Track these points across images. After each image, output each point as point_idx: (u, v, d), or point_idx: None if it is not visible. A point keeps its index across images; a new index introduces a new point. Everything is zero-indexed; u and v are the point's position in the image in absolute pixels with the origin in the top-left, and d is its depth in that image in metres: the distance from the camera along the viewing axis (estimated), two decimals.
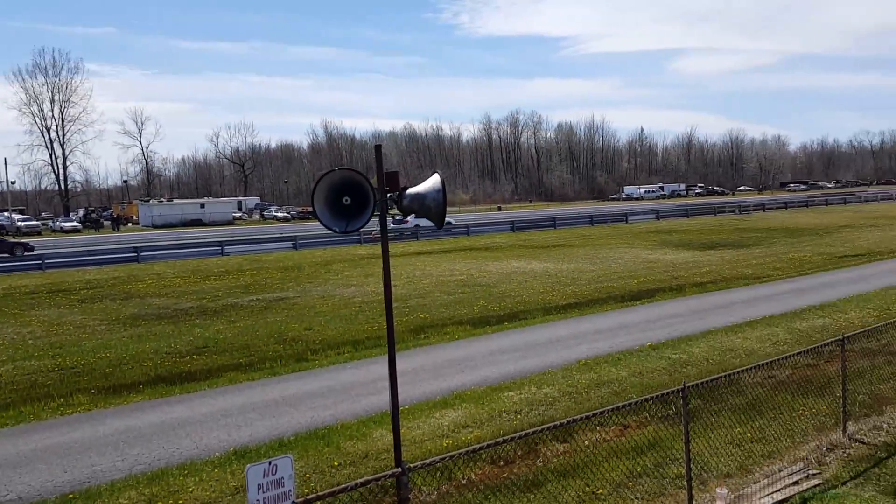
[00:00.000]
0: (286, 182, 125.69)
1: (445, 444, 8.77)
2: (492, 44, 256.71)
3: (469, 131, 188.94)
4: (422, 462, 5.21)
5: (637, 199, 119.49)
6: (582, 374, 11.93)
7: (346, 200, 5.64)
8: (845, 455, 7.91)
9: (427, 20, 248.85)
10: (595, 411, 6.63)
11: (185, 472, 8.23)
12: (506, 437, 5.91)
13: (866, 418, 9.08)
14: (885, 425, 8.81)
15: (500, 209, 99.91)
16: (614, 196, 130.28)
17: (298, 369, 13.18)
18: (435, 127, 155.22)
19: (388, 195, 5.87)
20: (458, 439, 8.97)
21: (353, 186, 5.62)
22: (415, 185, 5.94)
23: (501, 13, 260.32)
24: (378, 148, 5.96)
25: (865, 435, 8.49)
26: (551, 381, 11.59)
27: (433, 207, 5.75)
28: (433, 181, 5.83)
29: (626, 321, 16.44)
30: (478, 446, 5.60)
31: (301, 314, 18.97)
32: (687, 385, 6.79)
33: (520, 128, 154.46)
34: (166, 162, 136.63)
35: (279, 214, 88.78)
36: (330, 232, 5.80)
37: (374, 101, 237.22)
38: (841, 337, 8.77)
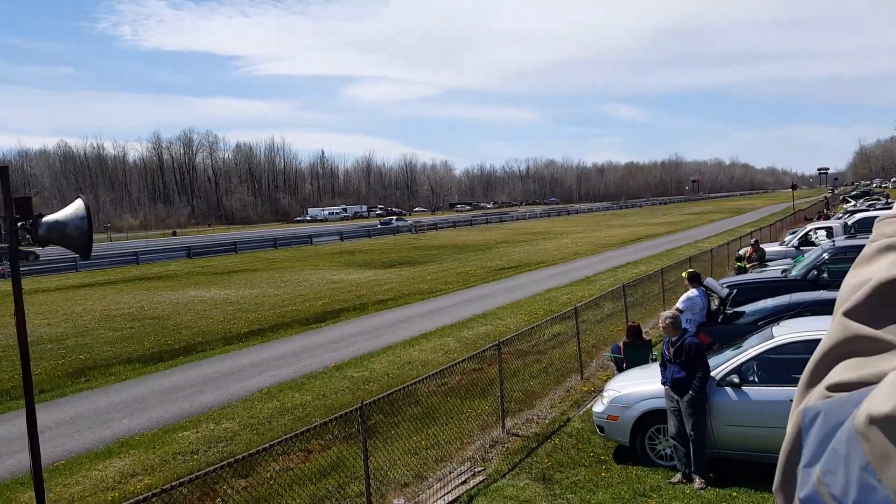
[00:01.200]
0: None
1: (110, 498, 7.86)
2: (160, 59, 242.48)
3: (136, 150, 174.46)
4: None
5: (321, 220, 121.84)
6: (264, 403, 11.61)
7: None
8: (504, 449, 8.80)
9: (81, 29, 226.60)
10: (276, 440, 6.45)
11: None
12: (175, 483, 5.42)
13: (521, 413, 10.22)
14: (535, 417, 10.01)
15: (175, 234, 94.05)
16: (299, 218, 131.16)
17: None
18: (95, 145, 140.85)
19: (20, 224, 5.06)
20: (126, 490, 8.08)
21: None
22: (53, 212, 5.20)
23: (167, 27, 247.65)
24: (4, 170, 5.10)
25: (520, 428, 9.55)
26: (231, 414, 11.11)
27: (77, 236, 5.08)
28: (76, 207, 5.15)
29: (310, 344, 16.46)
30: (144, 496, 5.05)
31: None
32: (364, 403, 6.95)
33: (194, 148, 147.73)
34: None
35: None
36: None
37: (19, 115, 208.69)
38: (497, 342, 9.77)
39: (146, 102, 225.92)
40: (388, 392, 7.97)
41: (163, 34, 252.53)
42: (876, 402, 0.56)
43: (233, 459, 5.96)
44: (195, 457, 9.22)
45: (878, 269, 0.69)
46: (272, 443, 6.35)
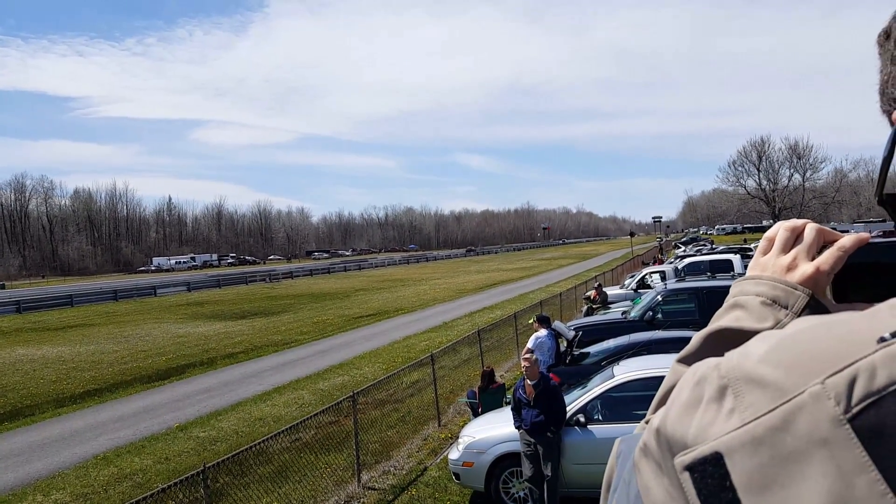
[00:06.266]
0: None
1: None
2: None
3: None
4: None
5: (167, 270, 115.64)
6: (100, 470, 10.67)
7: None
8: None
9: None
10: None
11: None
12: None
13: (377, 465, 9.99)
14: (392, 469, 9.81)
15: (3, 287, 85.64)
16: (143, 268, 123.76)
17: None
18: None
19: None
20: None
21: None
22: None
23: None
24: None
25: (377, 481, 9.32)
26: (62, 484, 10.17)
27: None
28: None
29: (152, 403, 15.35)
30: None
31: None
32: (207, 465, 6.51)
33: (27, 194, 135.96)
34: None
35: None
36: None
37: None
38: (353, 393, 9.54)
39: None
40: (236, 451, 7.51)
41: None
42: (644, 435, 0.62)
43: None
44: None
45: (721, 323, 0.76)
46: None
